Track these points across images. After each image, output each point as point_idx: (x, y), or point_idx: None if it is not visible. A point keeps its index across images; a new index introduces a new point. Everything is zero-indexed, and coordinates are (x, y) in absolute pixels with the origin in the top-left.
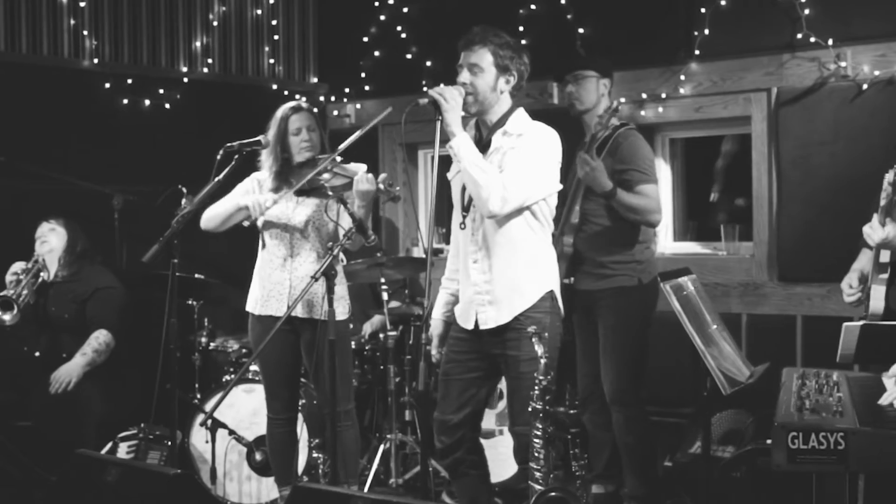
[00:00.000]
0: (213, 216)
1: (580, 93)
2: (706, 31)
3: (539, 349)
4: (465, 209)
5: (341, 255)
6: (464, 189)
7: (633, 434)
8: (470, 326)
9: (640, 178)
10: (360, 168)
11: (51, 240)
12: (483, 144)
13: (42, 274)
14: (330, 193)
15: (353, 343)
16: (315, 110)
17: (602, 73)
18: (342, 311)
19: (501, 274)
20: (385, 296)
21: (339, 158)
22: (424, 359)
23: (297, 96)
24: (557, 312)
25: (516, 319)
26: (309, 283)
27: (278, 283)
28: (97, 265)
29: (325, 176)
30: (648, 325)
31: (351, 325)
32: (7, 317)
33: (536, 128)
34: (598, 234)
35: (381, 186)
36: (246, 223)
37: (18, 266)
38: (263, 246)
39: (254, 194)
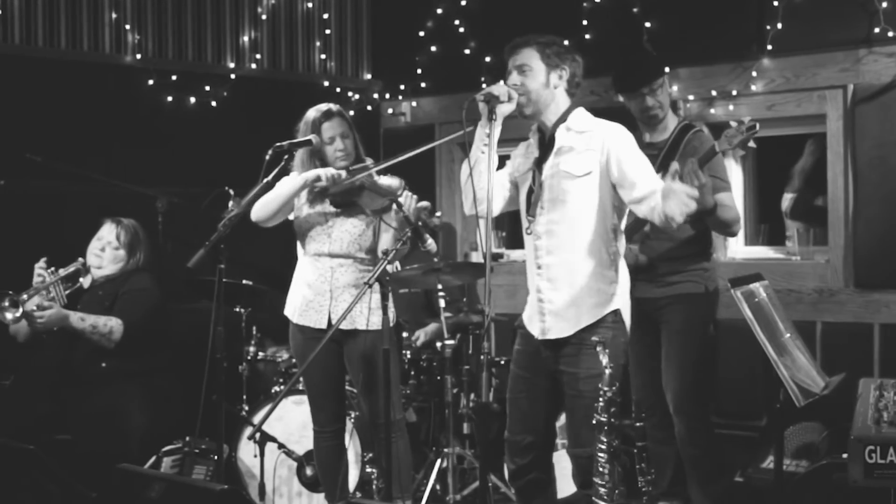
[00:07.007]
0: (270, 201)
1: (660, 99)
2: (779, 26)
3: (604, 359)
4: (530, 213)
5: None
6: (529, 192)
7: (697, 445)
8: (535, 333)
9: (720, 185)
10: (392, 182)
11: (104, 261)
12: (547, 143)
13: (81, 279)
14: (368, 213)
15: (408, 353)
16: (346, 113)
17: (664, 67)
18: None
19: (566, 284)
20: (442, 303)
21: (375, 173)
22: (487, 369)
23: (350, 94)
24: (623, 328)
25: (577, 334)
26: (362, 289)
27: (319, 294)
28: (141, 271)
29: (363, 196)
30: (713, 334)
31: (405, 334)
32: (9, 315)
33: (607, 125)
34: (674, 242)
35: (423, 217)
36: (317, 187)
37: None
38: (305, 252)
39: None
